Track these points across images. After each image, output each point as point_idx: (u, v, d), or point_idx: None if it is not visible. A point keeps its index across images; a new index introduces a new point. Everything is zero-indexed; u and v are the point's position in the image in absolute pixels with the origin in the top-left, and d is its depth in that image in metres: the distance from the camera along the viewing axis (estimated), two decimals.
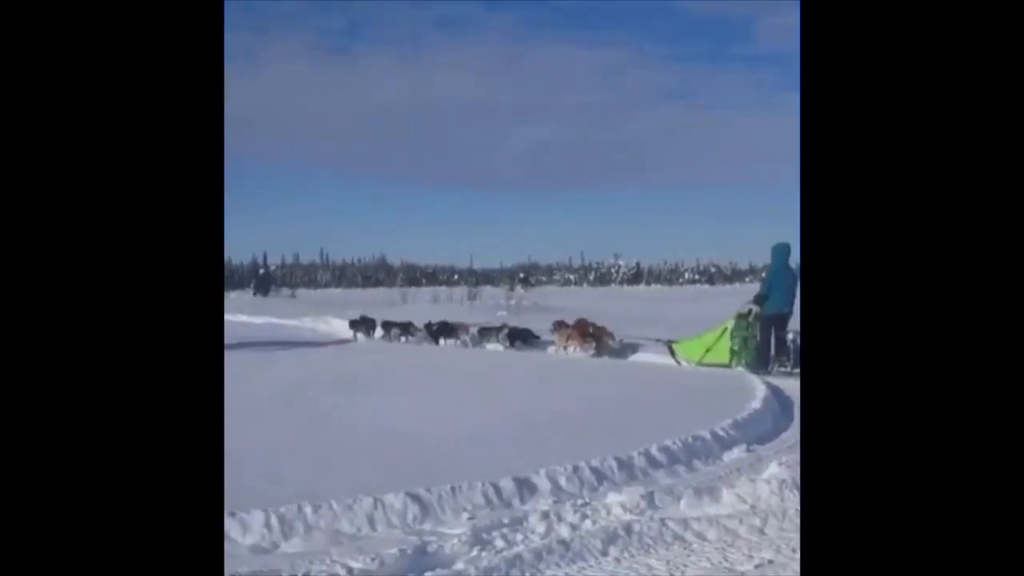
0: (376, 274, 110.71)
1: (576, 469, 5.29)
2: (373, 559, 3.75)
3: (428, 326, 15.92)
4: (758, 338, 10.72)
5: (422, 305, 28.15)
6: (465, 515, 4.55)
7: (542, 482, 5.09)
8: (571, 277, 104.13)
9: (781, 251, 10.85)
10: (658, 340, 12.57)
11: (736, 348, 10.85)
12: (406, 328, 16.41)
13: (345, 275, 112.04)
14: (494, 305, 25.60)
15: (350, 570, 3.66)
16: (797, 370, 9.57)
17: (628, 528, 4.28)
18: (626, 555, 4.01)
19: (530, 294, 39.32)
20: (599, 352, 12.87)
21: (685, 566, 3.80)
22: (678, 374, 11.16)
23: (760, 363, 10.59)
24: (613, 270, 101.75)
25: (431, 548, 4.01)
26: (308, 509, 4.38)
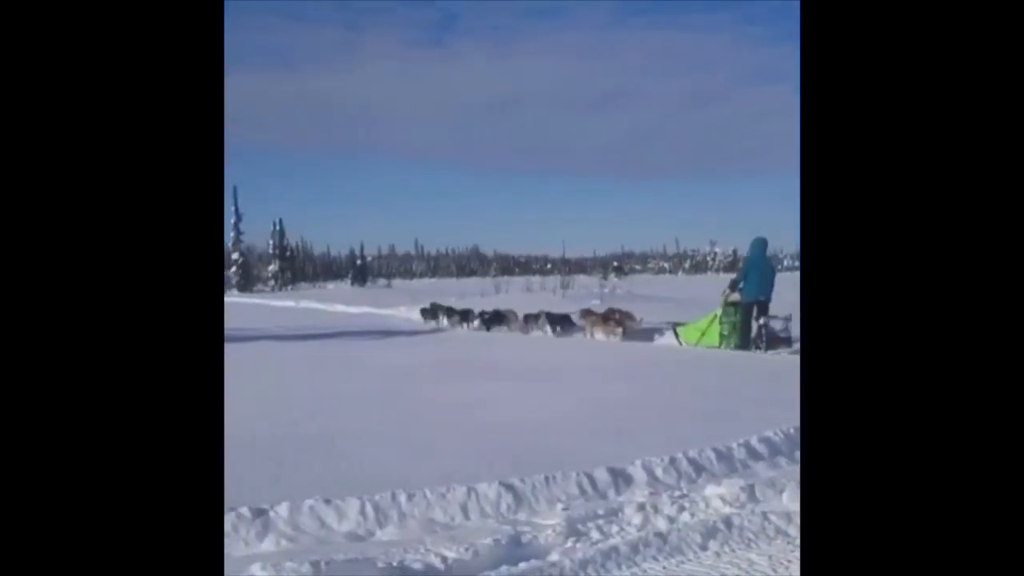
0: (470, 264, 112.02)
1: (673, 460, 5.15)
2: (467, 549, 3.72)
3: (482, 314, 17.24)
4: (740, 323, 12.09)
5: (515, 294, 28.22)
6: (559, 506, 4.47)
7: (638, 473, 4.97)
8: (665, 265, 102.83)
9: (758, 244, 12.20)
10: (668, 324, 13.89)
11: (725, 332, 12.28)
12: (465, 315, 17.83)
13: (439, 265, 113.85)
14: (587, 294, 25.41)
15: (444, 559, 3.63)
16: (773, 349, 11.59)
17: (728, 521, 4.13)
18: (726, 549, 3.87)
19: (623, 283, 38.92)
20: (626, 336, 13.97)
21: (789, 562, 3.63)
22: (754, 360, 10.94)
23: (743, 344, 12.00)
24: (709, 258, 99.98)
25: (525, 539, 3.95)
26: (403, 497, 4.38)
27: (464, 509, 4.40)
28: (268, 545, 3.94)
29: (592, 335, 14.59)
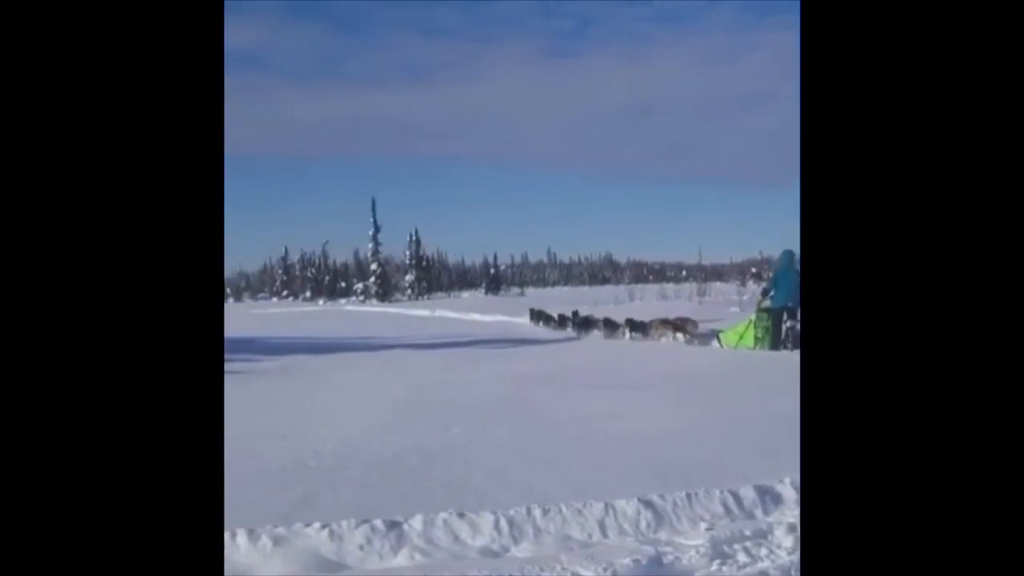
0: (603, 271, 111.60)
1: None
2: (606, 569, 3.54)
3: (573, 317, 19.31)
4: (771, 327, 13.43)
5: (649, 302, 27.77)
6: (703, 525, 4.22)
7: (787, 491, 4.64)
8: None
9: (785, 256, 13.53)
10: (712, 330, 15.31)
11: (759, 335, 13.77)
12: (563, 320, 19.89)
13: (572, 273, 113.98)
14: (725, 301, 24.67)
15: None
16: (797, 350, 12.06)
17: None
18: None
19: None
20: (690, 339, 15.31)
21: None
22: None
23: (774, 346, 13.31)
24: None
25: (667, 559, 3.74)
26: (537, 512, 4.24)
27: (602, 526, 4.22)
28: (402, 559, 3.87)
29: (660, 339, 15.91)
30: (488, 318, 26.73)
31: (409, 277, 64.39)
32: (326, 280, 72.30)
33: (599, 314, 19.17)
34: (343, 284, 69.62)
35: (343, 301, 61.56)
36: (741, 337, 14.20)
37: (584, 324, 18.56)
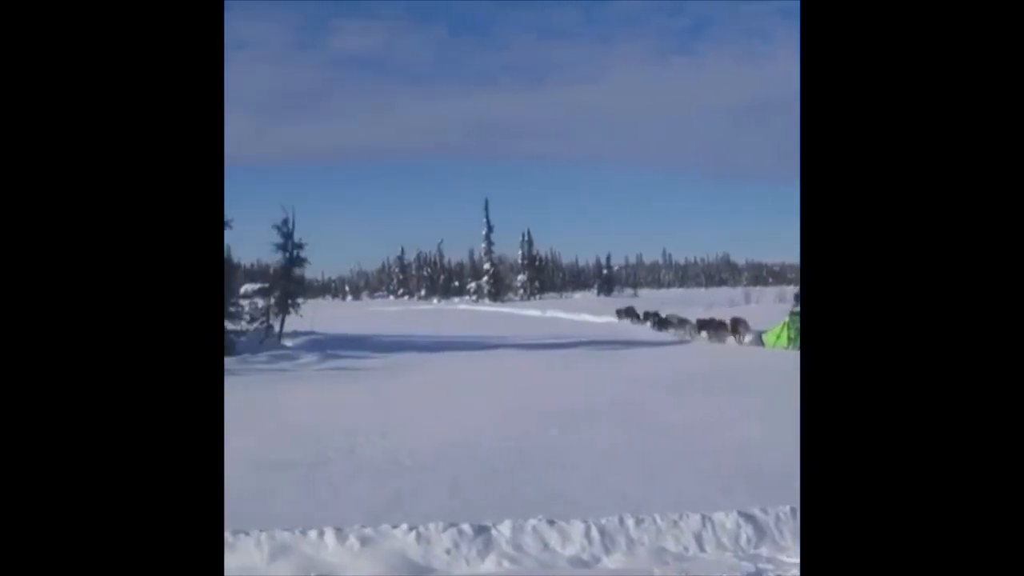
0: (719, 273, 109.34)
1: None
2: None
3: (655, 316, 21.36)
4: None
5: (766, 305, 26.94)
6: None
7: None
8: None
9: None
10: (758, 332, 16.23)
11: (792, 336, 14.64)
12: (647, 318, 21.97)
13: (688, 274, 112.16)
14: None
15: None
16: None
17: None
18: None
19: None
20: (740, 339, 16.43)
21: None
22: None
23: None
24: None
25: None
26: (631, 522, 4.09)
27: (698, 539, 4.02)
28: (489, 565, 3.80)
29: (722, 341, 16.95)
30: (599, 319, 26.51)
31: (521, 277, 64.83)
32: (441, 279, 73.61)
33: (707, 316, 19.32)
34: (457, 283, 70.71)
35: (456, 300, 62.57)
36: (777, 337, 15.46)
37: (662, 322, 20.57)
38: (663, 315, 21.05)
